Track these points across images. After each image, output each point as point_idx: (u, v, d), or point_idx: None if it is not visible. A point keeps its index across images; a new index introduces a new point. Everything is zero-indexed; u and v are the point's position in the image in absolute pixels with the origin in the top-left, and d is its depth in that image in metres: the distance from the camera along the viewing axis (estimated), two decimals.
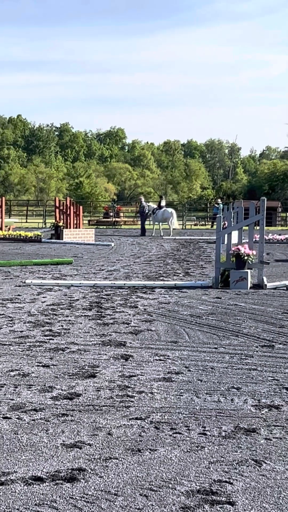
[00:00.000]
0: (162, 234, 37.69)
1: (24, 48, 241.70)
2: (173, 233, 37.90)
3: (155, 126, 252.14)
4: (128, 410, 5.83)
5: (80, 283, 14.72)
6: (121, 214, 60.83)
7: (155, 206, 39.77)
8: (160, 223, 38.68)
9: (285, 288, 14.21)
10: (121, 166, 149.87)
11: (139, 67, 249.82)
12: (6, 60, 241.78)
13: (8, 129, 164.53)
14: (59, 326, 9.83)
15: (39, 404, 5.98)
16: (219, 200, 55.19)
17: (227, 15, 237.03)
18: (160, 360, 7.75)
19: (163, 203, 39.65)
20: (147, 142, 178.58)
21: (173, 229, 38.39)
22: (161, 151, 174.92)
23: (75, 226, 34.09)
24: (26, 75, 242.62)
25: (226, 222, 22.20)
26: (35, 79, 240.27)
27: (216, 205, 50.52)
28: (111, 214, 57.99)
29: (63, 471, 4.50)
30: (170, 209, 39.75)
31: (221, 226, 15.36)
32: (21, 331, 9.38)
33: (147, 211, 39.47)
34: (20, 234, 33.03)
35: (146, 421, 5.53)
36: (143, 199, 42.86)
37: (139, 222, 43.00)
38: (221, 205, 47.76)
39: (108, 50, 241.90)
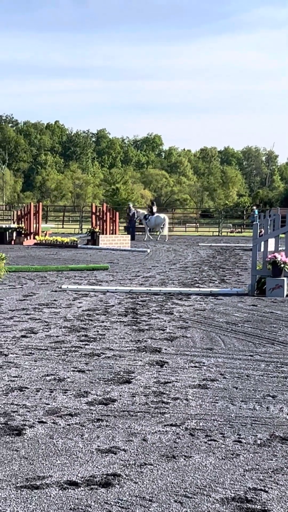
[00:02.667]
0: (158, 239, 38.92)
1: (63, 54, 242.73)
2: (166, 239, 38.72)
3: (192, 133, 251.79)
4: (163, 416, 5.82)
5: (115, 289, 14.75)
6: None
7: (145, 212, 40.59)
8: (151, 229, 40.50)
9: None
10: (157, 173, 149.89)
11: (177, 74, 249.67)
12: (45, 66, 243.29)
13: (46, 135, 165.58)
14: (94, 331, 9.86)
15: (75, 409, 6.00)
16: (254, 207, 54.97)
17: (268, 22, 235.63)
18: (196, 367, 7.73)
19: (154, 209, 40.61)
20: (184, 149, 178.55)
21: (163, 235, 39.65)
22: (197, 158, 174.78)
23: (111, 232, 34.17)
24: (64, 81, 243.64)
25: (262, 230, 22.11)
26: (73, 85, 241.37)
27: (251, 212, 50.40)
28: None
29: (98, 476, 4.51)
30: (162, 215, 41.07)
31: (258, 233, 15.30)
32: (57, 336, 9.42)
33: (136, 217, 40.41)
34: (56, 240, 33.20)
35: (181, 427, 5.52)
36: (131, 205, 44.05)
37: (175, 229, 43.41)
38: (257, 212, 47.59)
39: (146, 57, 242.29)
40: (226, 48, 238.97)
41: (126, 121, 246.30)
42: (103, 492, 4.26)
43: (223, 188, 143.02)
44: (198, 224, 68.09)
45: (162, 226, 39.82)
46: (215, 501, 4.17)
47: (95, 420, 5.69)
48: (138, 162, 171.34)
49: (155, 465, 4.73)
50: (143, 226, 41.77)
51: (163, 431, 5.44)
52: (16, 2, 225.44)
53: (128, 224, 41.59)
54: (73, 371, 7.42)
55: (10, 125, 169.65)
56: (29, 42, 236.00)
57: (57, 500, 4.13)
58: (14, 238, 34.87)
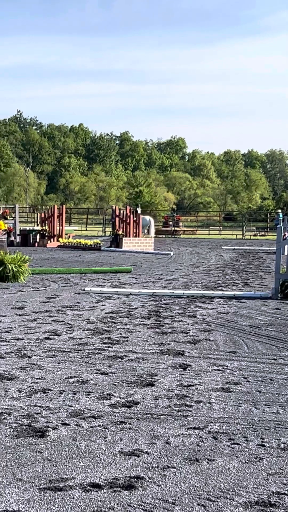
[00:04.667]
0: None
1: (87, 57, 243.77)
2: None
3: (215, 136, 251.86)
4: (186, 419, 5.81)
5: (139, 292, 14.76)
6: (180, 224, 60.75)
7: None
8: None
9: None
10: (181, 176, 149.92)
11: (202, 77, 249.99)
12: (69, 69, 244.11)
13: (70, 138, 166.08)
14: (117, 334, 9.87)
15: (98, 411, 6.01)
16: (279, 210, 54.81)
17: None
18: (219, 370, 7.72)
19: (139, 211, 41.43)
20: (208, 152, 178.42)
21: (147, 236, 40.17)
22: (221, 161, 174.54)
23: (134, 234, 34.20)
24: (88, 84, 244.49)
25: (286, 233, 22.02)
26: (98, 88, 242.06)
27: (275, 215, 50.30)
28: (171, 223, 57.99)
29: (121, 478, 4.51)
30: (148, 217, 42.73)
31: (282, 236, 15.24)
32: (80, 338, 9.44)
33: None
34: (79, 242, 33.28)
35: (204, 431, 5.51)
36: (114, 207, 45.19)
37: (199, 232, 43.83)
38: (281, 216, 47.46)
39: (170, 60, 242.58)
40: (250, 51, 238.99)
41: (149, 124, 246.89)
42: (126, 495, 4.26)
43: (246, 191, 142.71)
44: (221, 227, 67.97)
45: (148, 227, 41.62)
46: (238, 504, 4.16)
47: (118, 422, 5.69)
48: (162, 165, 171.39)
49: (178, 468, 4.72)
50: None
51: (186, 434, 5.43)
52: (42, 6, 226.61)
53: (112, 225, 42.84)
54: (96, 373, 7.43)
55: (34, 127, 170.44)
56: (54, 46, 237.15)
57: (80, 502, 4.14)
58: (37, 240, 35.00)
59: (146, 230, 41.44)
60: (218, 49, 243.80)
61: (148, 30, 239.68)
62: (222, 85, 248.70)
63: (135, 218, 34.67)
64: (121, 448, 5.07)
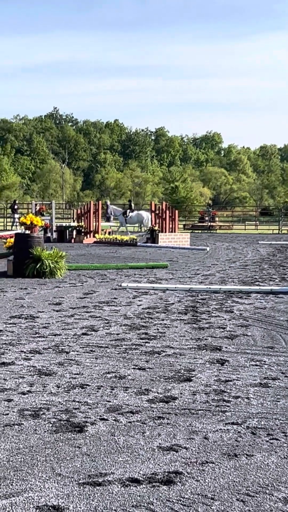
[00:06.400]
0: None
1: (122, 53, 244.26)
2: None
3: (251, 131, 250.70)
4: (224, 414, 5.80)
5: (175, 287, 14.75)
6: (217, 219, 60.63)
7: (121, 210, 42.65)
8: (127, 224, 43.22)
9: None
10: (216, 171, 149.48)
11: (237, 71, 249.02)
12: (104, 65, 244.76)
13: (105, 134, 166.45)
14: (154, 329, 9.87)
15: (136, 406, 6.02)
16: None
17: None
18: (256, 365, 7.69)
19: (132, 206, 42.71)
20: (243, 147, 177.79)
21: (143, 232, 41.01)
22: (257, 156, 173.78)
23: (170, 230, 34.17)
24: (124, 80, 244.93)
25: None
26: (133, 84, 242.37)
27: None
28: (207, 218, 57.89)
29: (160, 473, 4.51)
30: (145, 213, 43.13)
31: None
32: (117, 334, 9.46)
33: (112, 213, 42.43)
34: (116, 238, 33.33)
35: (242, 426, 5.50)
36: (108, 202, 46.74)
37: (235, 227, 44.15)
38: None
39: (205, 55, 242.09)
40: (285, 44, 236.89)
41: (185, 119, 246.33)
42: (165, 490, 4.27)
43: (283, 186, 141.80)
44: (257, 222, 67.64)
45: (145, 222, 42.51)
46: (277, 500, 4.14)
47: (156, 417, 5.70)
48: (197, 160, 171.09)
49: (216, 463, 4.72)
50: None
51: (224, 429, 5.42)
52: (77, 2, 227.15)
53: (106, 221, 43.55)
54: (134, 368, 7.44)
55: (70, 124, 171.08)
56: (89, 42, 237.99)
57: (119, 497, 4.15)
58: (74, 236, 35.14)
59: (142, 225, 43.37)
60: (253, 43, 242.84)
61: (183, 24, 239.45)
62: (257, 79, 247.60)
63: (171, 214, 34.61)
64: (160, 443, 5.07)
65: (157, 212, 35.24)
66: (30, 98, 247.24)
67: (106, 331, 9.69)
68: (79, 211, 38.19)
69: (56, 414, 5.75)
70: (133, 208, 44.55)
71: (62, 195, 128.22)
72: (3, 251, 19.89)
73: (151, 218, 35.28)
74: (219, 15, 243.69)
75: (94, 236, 34.89)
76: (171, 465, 4.66)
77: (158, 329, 9.86)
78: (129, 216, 42.43)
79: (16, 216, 50.86)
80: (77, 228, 35.47)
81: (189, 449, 4.97)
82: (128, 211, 43.14)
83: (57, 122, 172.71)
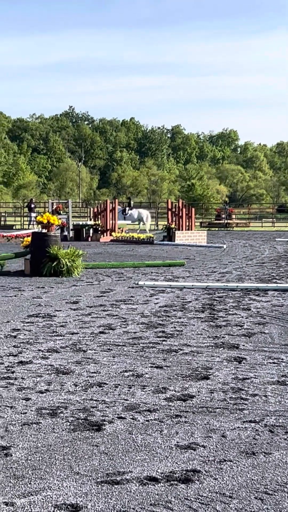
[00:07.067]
0: (138, 232, 40.39)
1: (137, 51, 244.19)
2: (147, 232, 41.07)
3: (268, 127, 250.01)
4: (242, 412, 5.79)
5: (192, 285, 14.74)
6: (233, 216, 60.50)
7: (121, 208, 42.87)
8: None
9: None
10: (233, 168, 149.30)
11: (253, 68, 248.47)
12: (120, 63, 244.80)
13: (121, 132, 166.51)
14: (172, 327, 9.87)
15: (153, 405, 6.02)
16: None
17: None
18: (274, 363, 7.67)
19: (132, 203, 43.14)
20: (260, 144, 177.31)
21: (142, 229, 42.05)
22: (274, 153, 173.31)
23: (187, 228, 34.15)
24: (139, 78, 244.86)
25: None
26: (148, 82, 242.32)
27: None
28: (223, 216, 57.79)
29: (178, 472, 4.51)
30: (145, 211, 44.20)
31: None
32: (135, 332, 9.47)
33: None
34: (132, 236, 33.34)
35: (260, 424, 5.49)
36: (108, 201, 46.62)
37: (252, 224, 43.96)
38: None
39: (221, 52, 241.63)
40: None
41: (201, 116, 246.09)
42: (183, 488, 4.27)
43: None
44: (274, 219, 67.44)
45: (145, 220, 43.24)
46: None
47: (174, 416, 5.70)
48: (214, 158, 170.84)
49: (234, 461, 4.71)
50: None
51: (242, 427, 5.41)
52: (92, 0, 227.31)
53: None
54: (151, 367, 7.45)
55: (86, 122, 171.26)
56: (104, 40, 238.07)
57: (137, 495, 4.16)
58: (91, 235, 35.19)
59: (142, 222, 43.65)
60: (269, 39, 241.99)
61: (198, 21, 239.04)
62: (274, 76, 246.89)
63: (187, 212, 34.58)
64: (177, 442, 5.08)
65: (173, 210, 35.22)
66: (46, 97, 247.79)
67: (123, 329, 9.70)
68: (95, 210, 38.24)
69: (74, 412, 5.76)
70: (132, 205, 44.82)
71: (79, 193, 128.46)
72: (20, 250, 19.94)
73: (169, 216, 35.20)
74: (233, 11, 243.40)
75: (110, 235, 34.92)
76: (189, 464, 4.66)
77: (175, 327, 9.86)
78: (128, 214, 42.61)
79: (33, 215, 50.96)
80: (94, 227, 35.50)
81: (207, 447, 4.97)
82: (127, 208, 43.28)
83: (73, 120, 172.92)
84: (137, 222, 44.29)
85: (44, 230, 17.93)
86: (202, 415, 5.72)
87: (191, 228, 34.59)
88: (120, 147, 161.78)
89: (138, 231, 41.19)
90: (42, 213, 20.13)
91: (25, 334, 9.27)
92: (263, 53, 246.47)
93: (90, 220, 39.61)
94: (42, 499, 4.09)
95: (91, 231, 35.42)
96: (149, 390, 6.49)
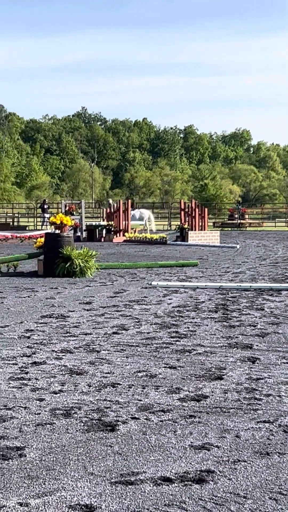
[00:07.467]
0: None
1: (150, 51, 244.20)
2: (154, 231, 41.85)
3: (281, 127, 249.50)
4: (256, 413, 5.78)
5: (205, 285, 14.73)
6: (246, 216, 60.38)
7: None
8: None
9: None
10: (246, 168, 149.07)
11: (265, 68, 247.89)
12: (132, 63, 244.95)
13: (134, 132, 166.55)
14: (185, 328, 9.86)
15: (167, 405, 6.02)
16: None
17: None
18: None
19: (134, 203, 43.29)
20: (273, 143, 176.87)
21: (150, 230, 41.94)
22: (287, 152, 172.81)
23: (200, 228, 34.12)
24: (151, 78, 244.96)
25: None
26: (161, 82, 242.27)
27: None
28: (236, 216, 57.69)
29: (192, 472, 4.51)
30: (147, 212, 44.57)
31: None
32: (148, 333, 9.46)
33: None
34: (145, 237, 33.35)
35: (274, 424, 5.48)
36: (111, 201, 47.05)
37: (265, 224, 43.97)
38: None
39: (233, 52, 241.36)
40: None
41: (214, 116, 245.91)
42: (197, 488, 4.26)
43: None
44: None
45: (146, 219, 43.90)
46: None
47: (188, 416, 5.69)
48: (226, 158, 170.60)
49: (248, 461, 4.70)
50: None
51: (256, 427, 5.40)
52: (104, 1, 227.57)
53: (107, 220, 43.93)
54: (165, 367, 7.44)
55: (98, 123, 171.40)
56: (117, 40, 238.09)
57: (151, 495, 4.16)
58: (104, 235, 35.21)
59: (145, 223, 44.04)
60: (281, 39, 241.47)
61: (211, 21, 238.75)
62: (286, 75, 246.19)
63: (200, 212, 34.55)
64: (191, 442, 5.07)
65: (186, 210, 35.20)
66: (58, 97, 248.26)
67: (137, 329, 9.70)
68: (108, 210, 38.26)
69: (88, 413, 5.77)
70: (135, 206, 45.00)
71: (92, 194, 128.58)
72: (33, 251, 19.98)
73: (182, 216, 35.18)
74: (246, 10, 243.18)
75: (123, 235, 34.93)
76: (203, 464, 4.65)
77: (188, 328, 9.85)
78: (131, 214, 42.57)
79: (46, 215, 51.05)
80: (107, 227, 35.53)
81: (221, 447, 4.97)
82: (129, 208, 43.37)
83: (86, 121, 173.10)
84: (140, 222, 44.43)
85: (57, 231, 17.96)
86: (216, 416, 5.71)
87: (204, 228, 34.56)
88: (132, 147, 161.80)
89: (143, 231, 41.36)
90: (55, 214, 20.17)
91: (38, 335, 9.29)
92: (277, 52, 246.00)
93: (103, 220, 39.68)
94: (56, 499, 4.10)
95: (104, 231, 35.45)
96: (163, 391, 6.49)
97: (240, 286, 14.57)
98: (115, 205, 41.97)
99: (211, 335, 9.32)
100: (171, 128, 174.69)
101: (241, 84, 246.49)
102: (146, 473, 4.50)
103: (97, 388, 6.57)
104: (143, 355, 8.03)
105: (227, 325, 10.08)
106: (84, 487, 4.28)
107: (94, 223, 37.63)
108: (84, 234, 35.38)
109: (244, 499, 4.10)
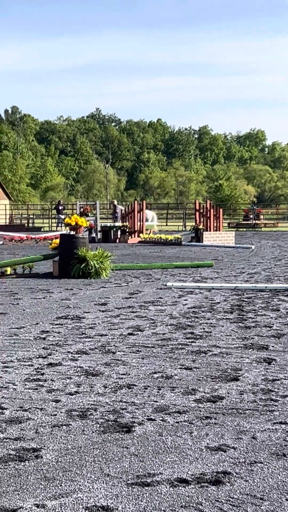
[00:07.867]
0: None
1: (164, 52, 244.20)
2: (156, 231, 41.73)
3: None
4: (272, 414, 5.77)
5: (221, 286, 14.70)
6: (261, 217, 60.29)
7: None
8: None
9: None
10: (261, 168, 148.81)
11: (280, 68, 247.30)
12: (146, 64, 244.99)
13: (149, 133, 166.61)
14: (200, 329, 9.85)
15: (183, 406, 6.01)
16: None
17: None
18: None
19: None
20: None
21: (153, 231, 40.95)
22: None
23: (215, 229, 34.08)
24: (166, 79, 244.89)
25: None
26: (175, 83, 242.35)
27: None
28: (251, 216, 57.61)
29: (208, 474, 4.50)
30: (151, 212, 44.38)
31: None
32: (163, 334, 9.46)
33: (119, 214, 42.59)
34: (160, 237, 33.34)
35: None
36: (115, 202, 47.93)
37: (280, 225, 43.89)
38: None
39: (247, 52, 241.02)
40: None
41: (228, 117, 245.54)
42: (213, 490, 4.25)
43: None
44: None
45: (150, 220, 42.73)
46: None
47: (204, 417, 5.68)
48: (241, 158, 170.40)
49: (265, 463, 4.69)
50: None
51: (272, 429, 5.39)
52: (118, 2, 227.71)
53: (113, 221, 43.64)
54: (180, 368, 7.44)
55: (113, 124, 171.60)
56: (131, 41, 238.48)
57: (168, 497, 4.15)
58: (118, 236, 35.24)
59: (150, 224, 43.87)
60: None
61: (224, 21, 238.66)
62: None
63: (215, 212, 34.50)
64: (207, 443, 5.06)
65: (201, 211, 35.17)
66: (73, 98, 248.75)
67: (152, 331, 9.69)
68: (123, 211, 38.29)
69: (104, 414, 5.77)
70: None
71: (106, 195, 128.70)
72: (48, 252, 20.01)
73: (197, 216, 35.13)
74: (259, 11, 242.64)
75: (138, 236, 34.93)
76: (220, 465, 4.64)
77: (204, 329, 9.84)
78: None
79: (61, 216, 51.15)
80: (122, 228, 35.55)
81: (237, 449, 4.95)
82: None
83: (100, 122, 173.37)
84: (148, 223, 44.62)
85: (72, 232, 17.98)
86: (232, 417, 5.70)
87: (219, 229, 34.51)
88: (147, 148, 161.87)
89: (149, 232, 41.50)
90: (70, 215, 20.19)
91: (54, 336, 9.30)
92: None
93: (113, 222, 39.79)
94: (73, 501, 4.10)
95: (119, 232, 35.48)
96: (179, 392, 6.48)
97: (256, 286, 14.54)
98: (122, 208, 42.10)
99: (227, 336, 9.31)
100: (186, 129, 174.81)
101: (256, 84, 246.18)
102: (162, 475, 4.49)
103: (113, 390, 6.57)
104: (159, 356, 8.02)
105: (242, 326, 10.06)
106: (100, 488, 4.28)
107: (109, 224, 37.68)
108: (99, 235, 35.42)
109: (261, 501, 4.09)
